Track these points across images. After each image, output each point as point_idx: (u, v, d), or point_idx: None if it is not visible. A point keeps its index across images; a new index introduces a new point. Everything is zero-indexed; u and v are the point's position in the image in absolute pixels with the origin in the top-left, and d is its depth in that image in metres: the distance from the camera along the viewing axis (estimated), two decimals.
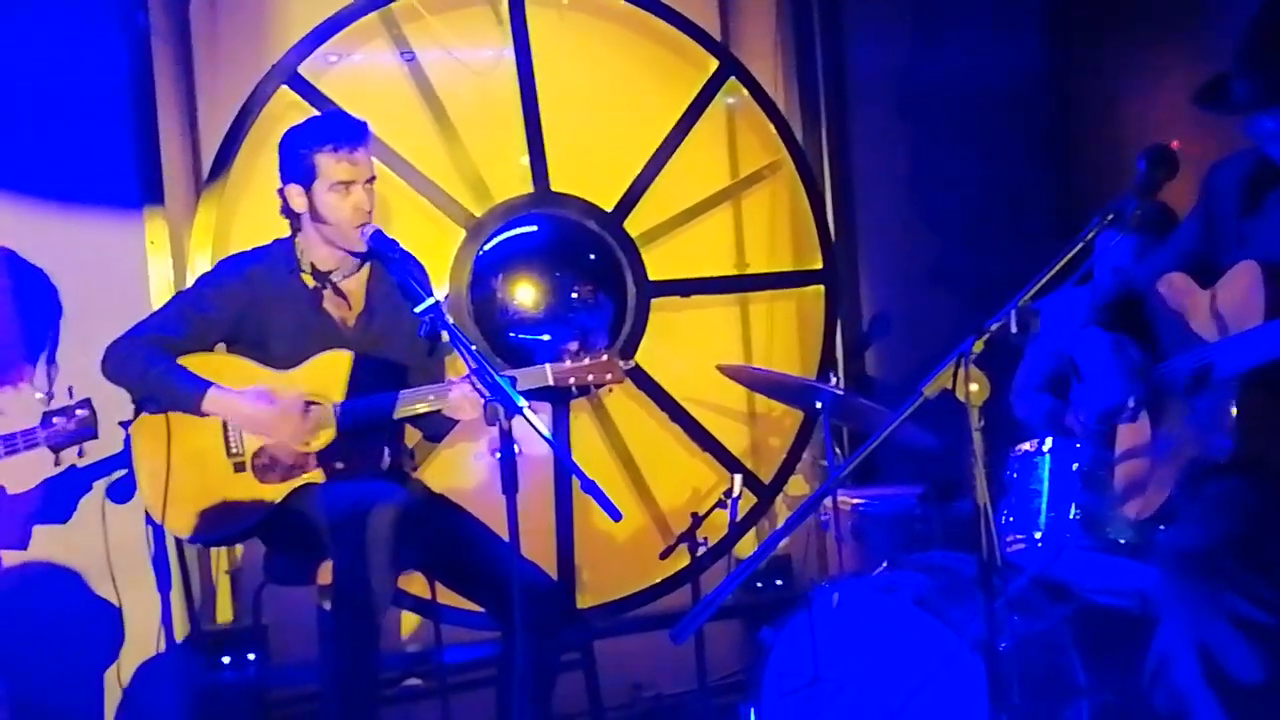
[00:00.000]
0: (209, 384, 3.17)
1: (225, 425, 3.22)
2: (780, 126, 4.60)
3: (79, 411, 3.28)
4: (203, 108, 4.16)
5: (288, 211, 3.31)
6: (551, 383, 3.31)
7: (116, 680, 3.79)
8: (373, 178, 3.27)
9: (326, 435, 3.23)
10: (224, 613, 4.07)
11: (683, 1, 4.52)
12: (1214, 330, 2.61)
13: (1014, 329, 2.31)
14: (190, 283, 3.83)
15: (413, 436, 3.62)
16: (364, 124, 3.28)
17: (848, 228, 4.77)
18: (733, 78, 4.54)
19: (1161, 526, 3.00)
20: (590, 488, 2.58)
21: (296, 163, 3.24)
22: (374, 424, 3.24)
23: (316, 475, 3.23)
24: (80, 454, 3.34)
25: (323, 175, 3.21)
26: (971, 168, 4.89)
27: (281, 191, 3.30)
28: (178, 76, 4.12)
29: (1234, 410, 2.51)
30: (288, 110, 4.05)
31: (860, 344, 4.77)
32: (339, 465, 3.24)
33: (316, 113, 3.96)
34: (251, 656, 3.87)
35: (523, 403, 2.62)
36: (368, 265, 3.37)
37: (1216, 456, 2.56)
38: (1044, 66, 5.01)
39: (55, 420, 3.28)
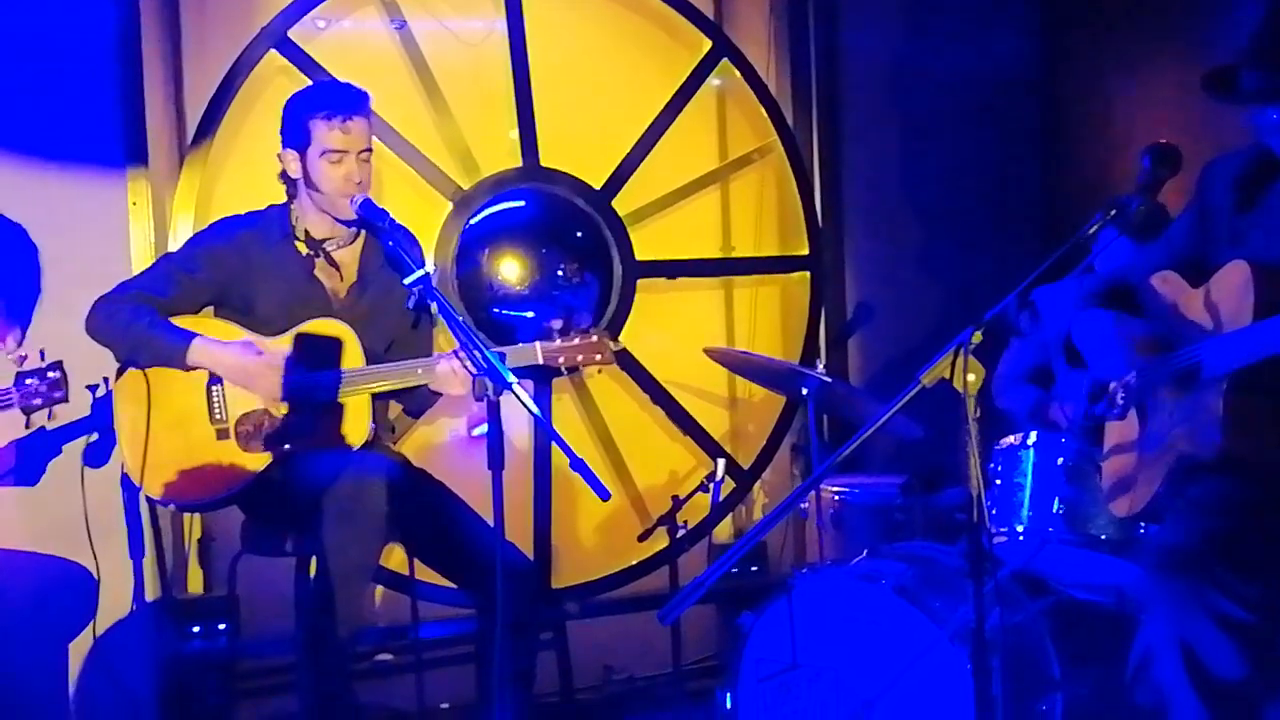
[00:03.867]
0: (194, 335, 3.15)
1: (209, 391, 3.18)
2: (771, 110, 4.58)
3: (51, 374, 3.23)
4: (189, 70, 4.09)
5: (285, 176, 3.30)
6: (541, 361, 3.29)
7: (91, 641, 3.73)
8: (368, 149, 3.25)
9: None
10: (194, 582, 4.03)
11: None
12: (1204, 329, 2.62)
13: (1014, 320, 2.31)
14: (172, 246, 3.79)
15: (394, 408, 3.58)
16: (364, 94, 3.27)
17: (835, 215, 4.75)
18: (725, 59, 4.51)
19: (1144, 524, 3.02)
20: (579, 465, 2.57)
21: (294, 128, 3.23)
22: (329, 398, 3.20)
23: (300, 446, 3.19)
24: (50, 417, 3.29)
25: (316, 142, 3.20)
26: (960, 159, 4.89)
27: (280, 156, 3.29)
28: (164, 37, 4.05)
29: (1221, 409, 2.51)
30: (276, 75, 4.00)
31: (843, 332, 4.76)
32: (321, 436, 3.20)
33: (305, 78, 3.92)
34: (222, 627, 3.83)
35: (512, 378, 2.61)
36: (362, 236, 3.35)
37: (1203, 455, 2.56)
38: (1035, 59, 5.02)
39: (29, 381, 3.22)
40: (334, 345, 3.22)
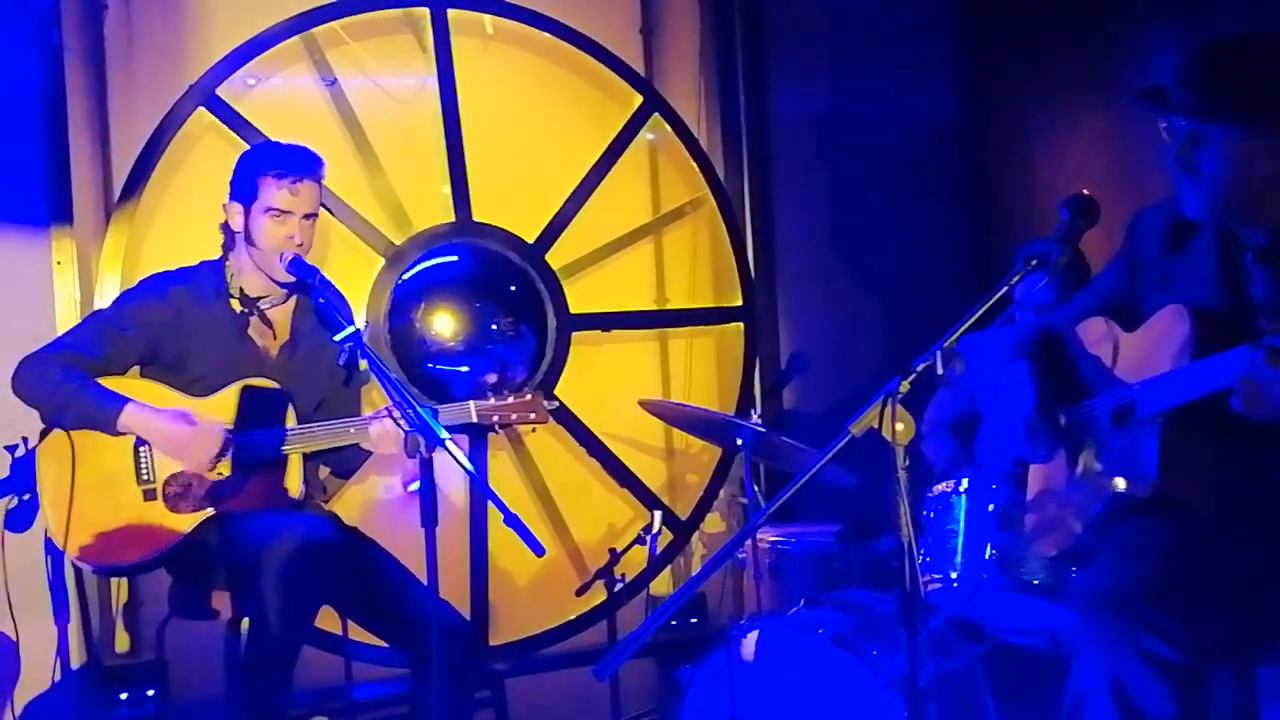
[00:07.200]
0: (126, 400, 3.10)
1: (136, 451, 3.13)
2: (703, 164, 4.63)
3: None
4: (116, 127, 4.06)
5: (226, 228, 3.30)
6: (475, 420, 3.29)
7: (10, 716, 3.64)
8: (314, 214, 3.25)
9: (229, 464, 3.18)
10: (121, 647, 3.93)
11: (608, 37, 4.54)
12: (1136, 372, 2.66)
13: (939, 370, 2.33)
14: (98, 305, 3.74)
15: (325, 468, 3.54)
16: (318, 159, 3.29)
17: (767, 266, 4.80)
18: (656, 114, 4.56)
19: (1074, 567, 3.05)
20: (513, 521, 2.55)
21: (243, 182, 3.25)
22: (272, 455, 3.18)
23: (230, 506, 3.14)
24: None
25: (262, 198, 3.21)
26: (890, 208, 4.96)
27: (225, 207, 3.29)
28: (91, 95, 4.02)
29: (1156, 448, 2.54)
30: (205, 132, 3.99)
31: (778, 382, 4.79)
32: (252, 496, 3.16)
33: (234, 135, 3.91)
34: (151, 693, 3.76)
35: (444, 434, 2.60)
36: (295, 296, 3.33)
37: (1138, 494, 2.59)
38: (962, 110, 5.11)
39: None
40: (280, 399, 3.20)
